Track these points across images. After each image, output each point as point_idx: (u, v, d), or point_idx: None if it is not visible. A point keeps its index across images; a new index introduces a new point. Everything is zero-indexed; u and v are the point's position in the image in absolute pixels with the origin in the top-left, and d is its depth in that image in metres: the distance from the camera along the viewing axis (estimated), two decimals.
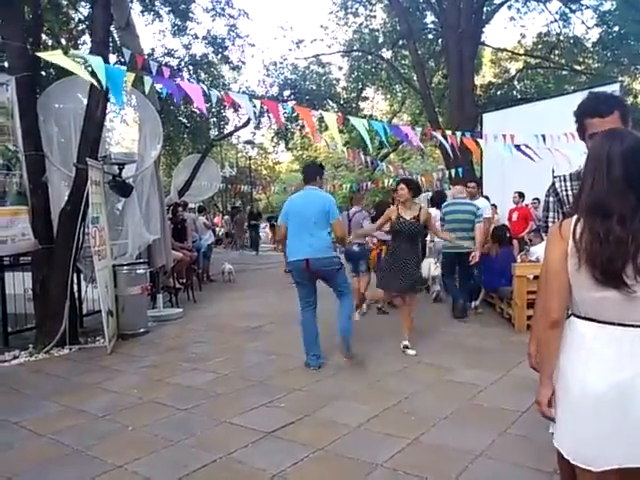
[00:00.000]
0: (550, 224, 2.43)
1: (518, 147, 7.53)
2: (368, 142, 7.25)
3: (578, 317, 1.81)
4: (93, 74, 4.16)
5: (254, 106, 5.88)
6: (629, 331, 1.71)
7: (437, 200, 8.46)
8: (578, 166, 2.40)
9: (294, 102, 16.12)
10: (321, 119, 8.48)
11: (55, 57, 3.84)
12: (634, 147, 1.74)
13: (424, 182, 15.22)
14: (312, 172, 5.39)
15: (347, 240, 5.93)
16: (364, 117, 9.78)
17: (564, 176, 2.41)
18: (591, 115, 2.22)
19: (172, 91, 4.98)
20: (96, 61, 4.02)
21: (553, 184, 2.44)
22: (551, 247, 1.85)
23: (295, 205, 5.22)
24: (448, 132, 7.68)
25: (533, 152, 7.46)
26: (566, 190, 2.37)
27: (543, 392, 1.84)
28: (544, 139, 7.72)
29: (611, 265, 1.67)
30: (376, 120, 8.83)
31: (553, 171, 7.18)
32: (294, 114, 14.62)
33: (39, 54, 3.85)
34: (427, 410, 3.94)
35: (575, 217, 1.79)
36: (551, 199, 2.44)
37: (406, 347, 5.49)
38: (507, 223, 9.67)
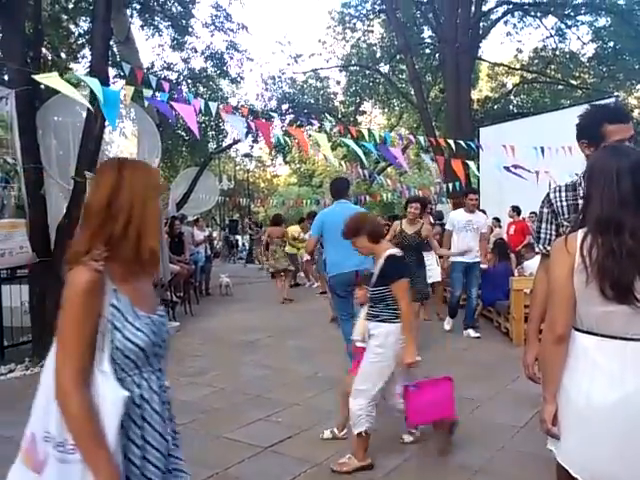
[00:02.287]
0: (542, 235, 2.42)
1: (507, 168, 7.58)
2: (363, 159, 7.32)
3: (580, 331, 1.79)
4: (91, 92, 4.19)
5: (248, 123, 5.98)
6: (632, 344, 1.70)
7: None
8: (574, 175, 2.41)
9: (292, 115, 16.23)
10: (318, 132, 8.55)
11: (51, 80, 3.85)
12: (624, 166, 1.75)
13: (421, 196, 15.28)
14: (343, 187, 5.36)
15: None
16: (367, 129, 9.88)
17: (559, 187, 2.40)
18: (612, 121, 2.20)
19: (165, 112, 5.02)
20: (93, 82, 4.03)
21: (548, 195, 2.43)
22: (557, 262, 1.82)
23: (333, 220, 4.92)
24: (451, 141, 7.76)
25: (523, 170, 7.50)
26: (560, 201, 2.35)
27: (548, 409, 1.81)
28: (542, 152, 7.77)
29: (622, 279, 1.67)
30: (373, 133, 8.87)
31: (550, 184, 7.23)
32: (292, 126, 14.71)
33: (35, 77, 3.86)
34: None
35: (582, 232, 1.77)
36: (545, 210, 2.42)
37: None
38: (505, 237, 9.70)
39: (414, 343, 3.16)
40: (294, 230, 12.62)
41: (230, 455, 3.45)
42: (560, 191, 2.37)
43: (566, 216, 2.30)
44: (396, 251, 3.32)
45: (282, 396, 4.63)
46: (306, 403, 4.47)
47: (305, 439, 3.73)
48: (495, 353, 6.02)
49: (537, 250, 2.51)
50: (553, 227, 2.39)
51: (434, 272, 7.65)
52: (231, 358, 6.06)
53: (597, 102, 9.90)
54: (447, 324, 7.23)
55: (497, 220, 10.05)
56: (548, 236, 2.41)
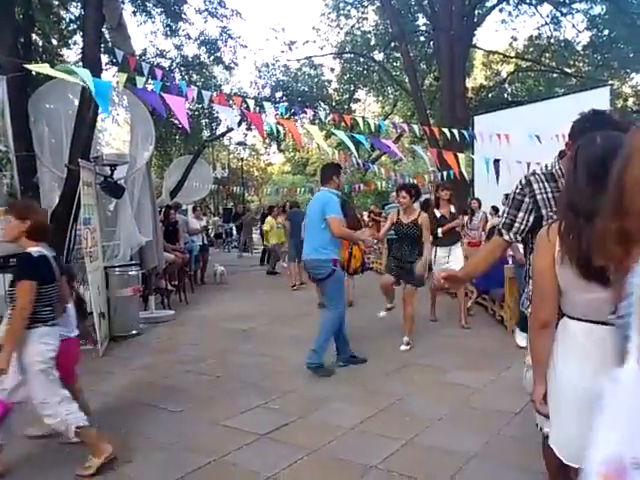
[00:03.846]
0: (517, 224, 2.37)
1: (496, 163, 7.57)
2: (354, 151, 7.29)
3: (571, 318, 1.84)
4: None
5: (242, 111, 5.96)
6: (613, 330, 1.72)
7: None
8: (550, 165, 2.39)
9: (286, 103, 16.13)
10: (312, 120, 8.52)
11: (43, 69, 3.81)
12: (598, 152, 1.77)
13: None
14: (327, 173, 5.21)
15: (354, 238, 5.64)
16: (361, 117, 9.84)
17: (539, 176, 2.33)
18: None
19: (157, 107, 4.98)
20: (84, 73, 3.99)
21: (529, 183, 2.34)
22: (539, 252, 1.88)
23: (308, 208, 5.43)
24: (445, 130, 7.74)
25: (507, 167, 7.51)
26: (546, 192, 2.30)
27: (538, 390, 1.90)
28: (539, 140, 7.78)
29: (589, 262, 1.68)
30: (368, 121, 8.83)
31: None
32: (286, 116, 14.64)
33: (28, 66, 3.82)
34: (421, 411, 3.94)
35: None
36: (526, 199, 2.32)
37: (407, 343, 5.66)
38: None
39: (10, 352, 2.89)
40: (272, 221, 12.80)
41: (227, 442, 3.45)
42: (542, 181, 2.32)
43: (554, 209, 2.25)
44: (34, 250, 3.14)
45: (278, 383, 4.65)
46: (302, 390, 4.49)
47: (302, 426, 3.74)
48: (490, 340, 6.04)
49: (506, 238, 2.42)
50: (531, 218, 2.33)
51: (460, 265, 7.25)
52: (226, 346, 6.07)
53: (590, 91, 9.92)
54: (521, 340, 5.13)
55: (495, 209, 10.02)
56: (522, 226, 2.35)
